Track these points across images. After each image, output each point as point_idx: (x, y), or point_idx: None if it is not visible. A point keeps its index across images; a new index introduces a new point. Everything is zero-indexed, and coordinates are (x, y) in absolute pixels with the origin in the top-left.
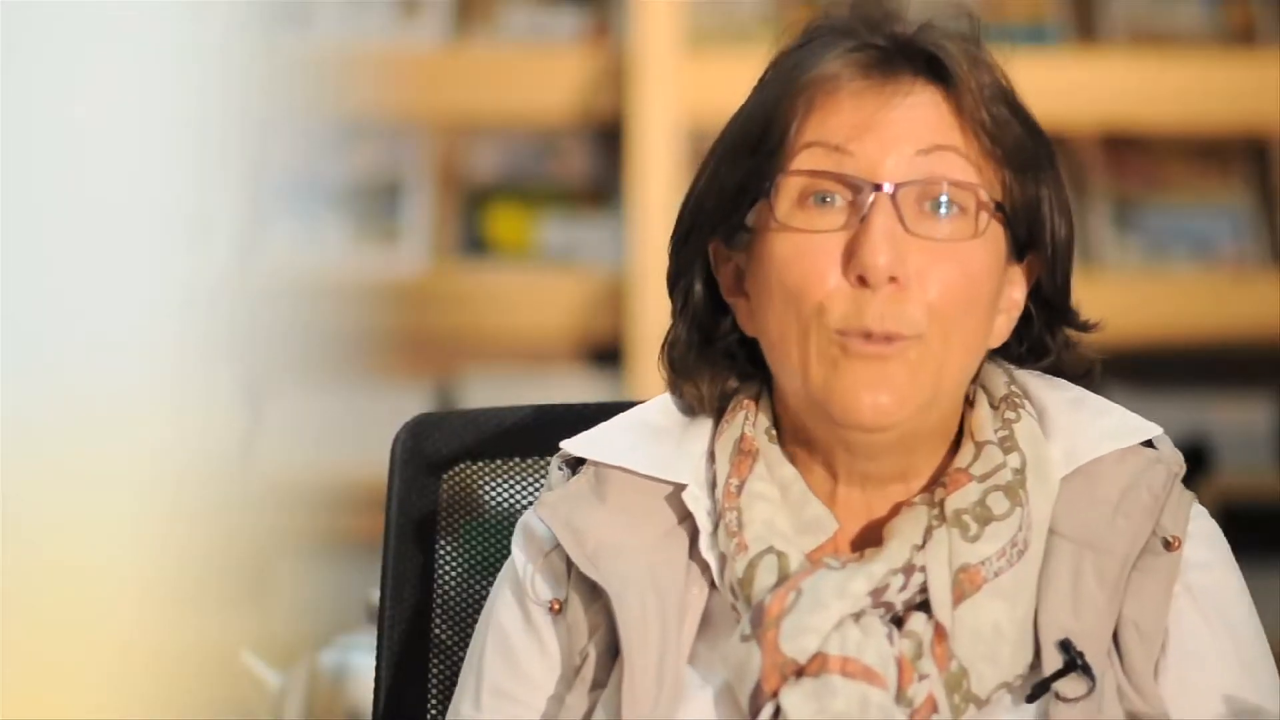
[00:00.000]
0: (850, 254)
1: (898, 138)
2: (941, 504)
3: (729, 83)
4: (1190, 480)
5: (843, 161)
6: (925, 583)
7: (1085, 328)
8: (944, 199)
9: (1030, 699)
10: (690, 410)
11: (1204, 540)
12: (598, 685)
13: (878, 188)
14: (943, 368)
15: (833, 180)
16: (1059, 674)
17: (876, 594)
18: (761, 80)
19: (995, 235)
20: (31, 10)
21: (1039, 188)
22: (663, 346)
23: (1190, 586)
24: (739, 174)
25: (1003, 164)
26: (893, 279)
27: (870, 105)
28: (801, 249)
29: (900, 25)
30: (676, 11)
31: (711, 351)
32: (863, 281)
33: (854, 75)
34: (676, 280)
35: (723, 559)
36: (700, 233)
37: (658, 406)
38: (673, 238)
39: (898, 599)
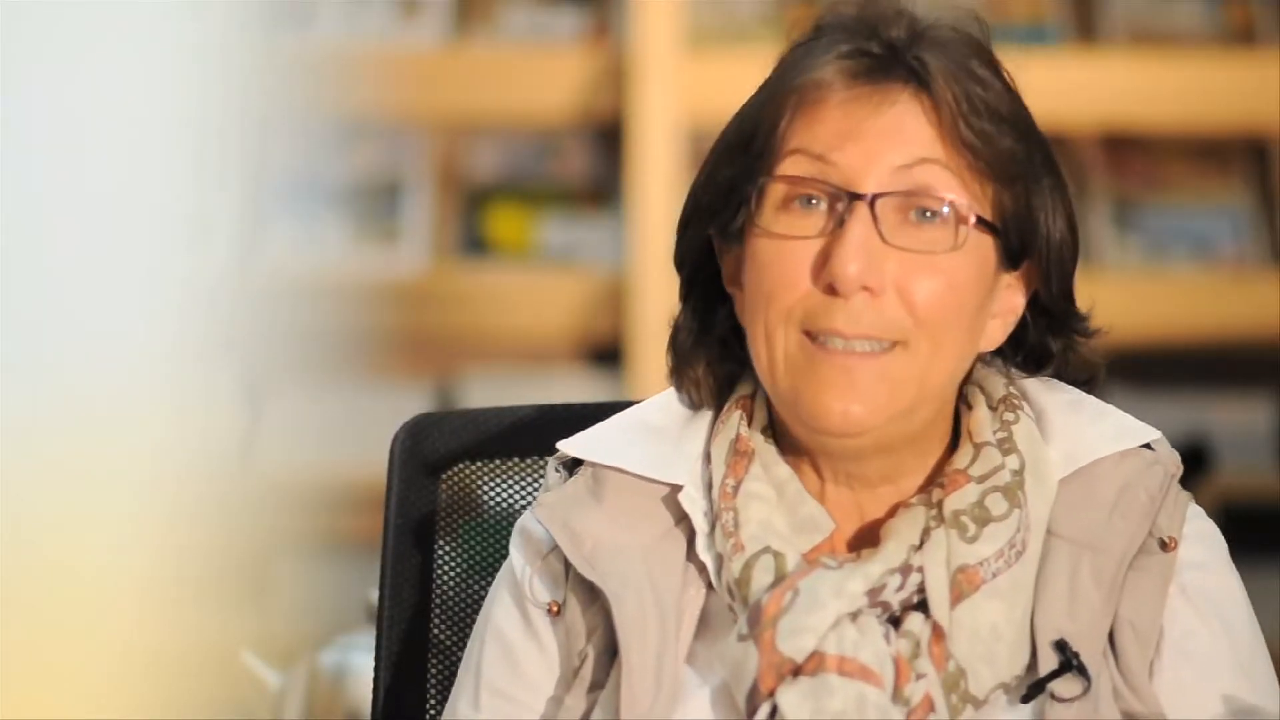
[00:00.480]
0: (824, 262)
1: (880, 149)
2: (940, 505)
3: (729, 83)
4: (1190, 480)
5: (825, 170)
6: (922, 583)
7: (1088, 333)
8: (923, 211)
9: (1025, 699)
10: (691, 405)
11: (1201, 541)
12: (596, 686)
13: (856, 197)
14: (927, 376)
15: (813, 186)
16: (1054, 674)
17: (873, 594)
18: (767, 78)
19: (979, 246)
20: (31, 9)
21: (1031, 198)
22: (671, 333)
23: (1186, 587)
24: (730, 172)
25: (989, 176)
26: (866, 288)
27: (856, 114)
28: (779, 253)
29: (898, 30)
30: (676, 11)
31: (709, 338)
32: (833, 290)
33: (843, 83)
34: (681, 264)
35: (720, 559)
36: (698, 224)
37: (656, 405)
38: (678, 223)
39: (895, 599)
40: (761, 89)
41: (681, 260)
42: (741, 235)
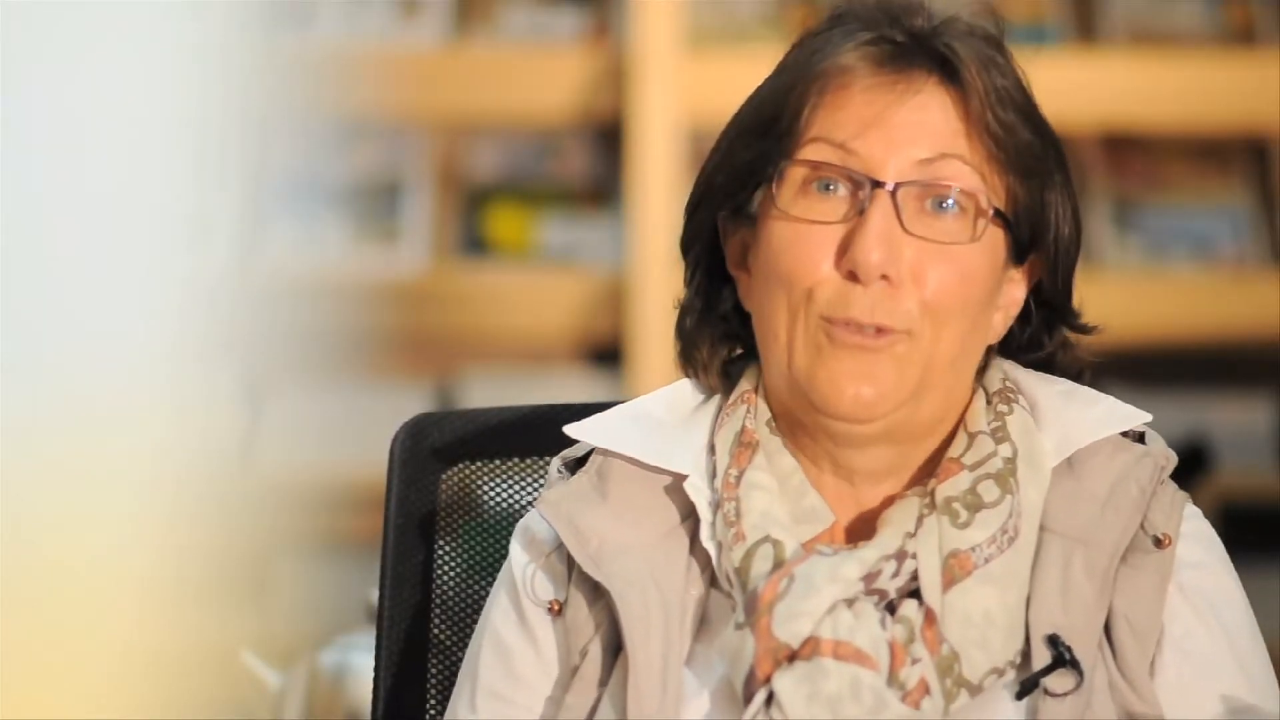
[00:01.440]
0: (845, 248)
1: (903, 140)
2: (933, 493)
3: (729, 83)
4: (1190, 480)
5: (846, 158)
6: (917, 569)
7: (1084, 330)
8: (943, 202)
9: (1019, 696)
10: (697, 392)
11: (1198, 541)
12: (599, 683)
13: (879, 184)
14: (930, 364)
15: (835, 172)
16: (1047, 669)
17: (869, 579)
18: (782, 62)
19: (994, 239)
20: (31, 9)
21: (1045, 193)
22: (678, 317)
23: (1184, 586)
24: (748, 155)
25: (1007, 169)
26: (884, 277)
27: (880, 102)
28: (799, 236)
29: (921, 19)
30: (676, 11)
31: (712, 317)
32: (854, 277)
33: (868, 69)
34: (688, 247)
35: (720, 548)
36: (709, 206)
37: (659, 399)
38: (686, 205)
39: (890, 585)
40: (779, 73)
41: (689, 243)
42: (754, 218)
